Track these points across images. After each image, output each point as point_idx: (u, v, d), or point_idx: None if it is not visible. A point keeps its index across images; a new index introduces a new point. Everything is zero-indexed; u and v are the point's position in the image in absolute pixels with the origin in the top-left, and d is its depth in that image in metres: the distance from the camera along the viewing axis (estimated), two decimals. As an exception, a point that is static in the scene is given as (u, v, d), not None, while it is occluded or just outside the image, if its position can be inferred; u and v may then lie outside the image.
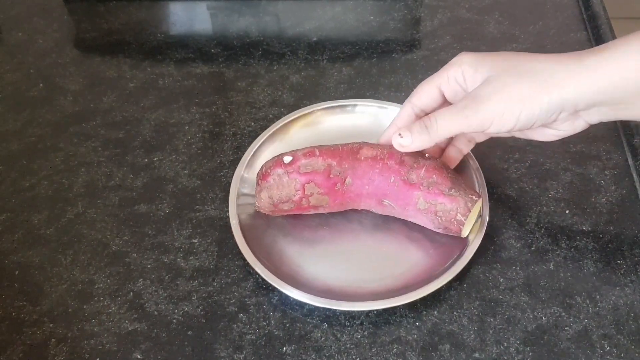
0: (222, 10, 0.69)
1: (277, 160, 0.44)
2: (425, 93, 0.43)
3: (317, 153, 0.44)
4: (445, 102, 0.44)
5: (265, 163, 0.45)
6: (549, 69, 0.37)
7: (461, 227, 0.43)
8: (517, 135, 0.44)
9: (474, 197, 0.43)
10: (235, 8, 0.69)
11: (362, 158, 0.44)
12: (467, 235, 0.45)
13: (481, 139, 0.47)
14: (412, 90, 0.45)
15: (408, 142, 0.41)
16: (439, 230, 0.44)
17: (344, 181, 0.44)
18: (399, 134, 0.41)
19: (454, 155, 0.47)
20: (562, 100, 0.37)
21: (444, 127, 0.40)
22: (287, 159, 0.44)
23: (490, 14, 0.66)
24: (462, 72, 0.41)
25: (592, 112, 0.39)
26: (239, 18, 0.68)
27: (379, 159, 0.44)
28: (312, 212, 0.46)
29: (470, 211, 0.42)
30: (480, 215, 0.45)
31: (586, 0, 0.65)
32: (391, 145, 0.44)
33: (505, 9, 0.67)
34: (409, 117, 0.45)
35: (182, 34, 0.67)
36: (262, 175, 0.45)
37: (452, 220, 0.43)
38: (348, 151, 0.44)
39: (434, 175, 0.43)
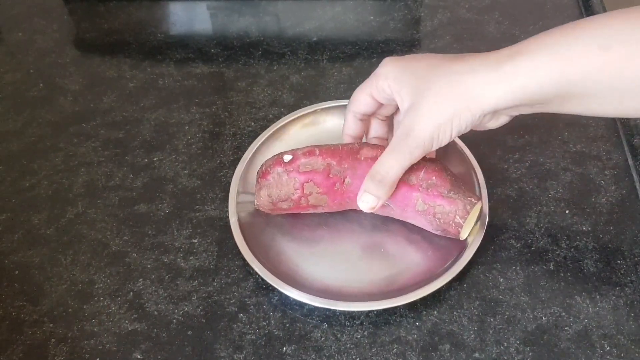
0: (222, 10, 0.69)
1: (277, 159, 0.44)
2: (361, 102, 0.45)
3: (317, 152, 0.44)
4: (381, 105, 0.45)
5: (265, 161, 0.45)
6: (467, 82, 0.38)
7: (459, 229, 0.43)
8: None
9: (473, 199, 0.43)
10: (235, 8, 0.69)
11: (362, 158, 0.44)
12: (467, 236, 0.45)
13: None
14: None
15: (374, 202, 0.43)
16: (438, 233, 0.44)
17: (343, 181, 0.44)
18: (362, 200, 0.43)
19: None
20: (483, 110, 0.38)
21: (394, 170, 0.41)
22: (287, 157, 0.44)
23: (490, 14, 0.66)
24: (388, 86, 0.42)
25: (513, 111, 0.40)
26: (239, 18, 0.68)
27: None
28: (311, 211, 0.46)
29: (469, 214, 0.42)
30: (479, 219, 0.45)
31: (586, 0, 0.65)
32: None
33: (505, 9, 0.67)
34: (355, 124, 0.46)
35: (182, 34, 0.67)
36: (262, 173, 0.45)
37: (451, 222, 0.43)
38: (348, 151, 0.44)
39: (434, 177, 0.43)
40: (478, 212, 0.44)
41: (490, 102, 0.38)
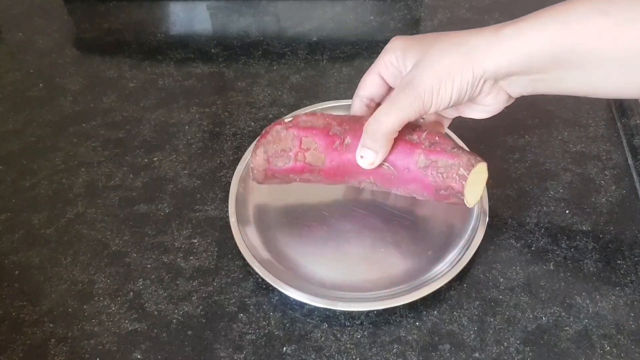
0: (222, 10, 0.69)
1: (279, 120, 0.44)
2: (368, 83, 0.44)
3: (319, 114, 0.44)
4: (390, 88, 0.44)
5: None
6: (470, 42, 0.39)
7: (463, 183, 0.40)
8: (452, 114, 0.45)
9: (478, 157, 0.41)
10: (235, 8, 0.69)
11: (364, 122, 0.41)
12: (467, 234, 0.45)
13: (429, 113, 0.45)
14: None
15: (372, 157, 0.41)
16: (441, 196, 0.41)
17: (343, 141, 0.42)
18: (360, 156, 0.41)
19: None
20: (483, 70, 0.38)
21: (390, 120, 0.40)
22: (288, 118, 0.43)
23: (490, 14, 0.66)
24: (395, 57, 0.42)
25: (512, 83, 0.40)
26: (239, 18, 0.68)
27: None
28: (306, 176, 0.44)
29: (473, 166, 0.40)
30: (478, 211, 0.45)
31: None
32: None
33: (505, 9, 0.67)
34: (361, 110, 0.45)
35: (182, 34, 0.67)
36: (262, 135, 0.43)
37: (454, 175, 0.40)
38: (350, 117, 0.44)
39: (437, 137, 0.41)
40: (485, 179, 0.42)
41: (492, 63, 0.38)
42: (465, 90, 0.39)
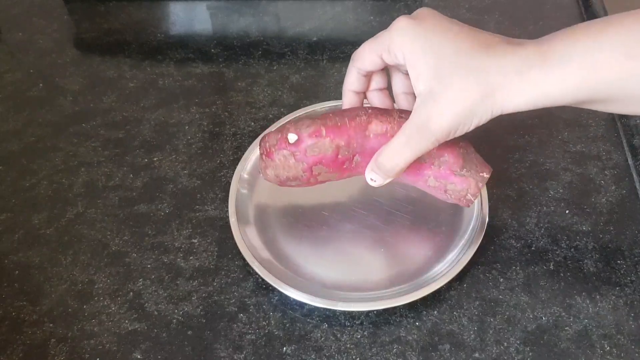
0: (222, 10, 0.69)
1: (281, 138, 0.42)
2: (367, 60, 0.41)
3: (324, 132, 0.41)
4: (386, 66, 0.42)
5: (268, 135, 0.43)
6: (495, 83, 0.36)
7: (470, 204, 0.43)
8: None
9: (484, 174, 0.42)
10: (235, 8, 0.69)
11: (371, 136, 0.41)
12: (467, 234, 0.45)
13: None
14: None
15: (382, 182, 0.42)
16: (447, 201, 0.44)
17: (352, 158, 0.42)
18: (370, 179, 0.42)
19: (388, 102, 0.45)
20: (504, 111, 0.37)
21: (404, 161, 0.40)
22: (292, 137, 0.41)
23: (490, 14, 0.66)
24: (403, 56, 0.38)
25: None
26: (239, 18, 0.68)
27: (389, 135, 0.41)
28: (319, 184, 0.45)
29: (480, 190, 0.42)
30: (477, 212, 0.45)
31: (586, 0, 0.65)
32: (400, 117, 0.42)
33: (505, 9, 0.67)
34: (358, 81, 0.43)
35: (182, 34, 0.67)
36: (267, 151, 0.42)
37: (462, 198, 0.42)
38: (356, 127, 0.41)
39: (445, 154, 0.41)
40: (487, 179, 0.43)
41: (512, 106, 0.37)
42: (481, 122, 0.38)
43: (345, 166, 0.42)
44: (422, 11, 0.39)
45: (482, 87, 0.36)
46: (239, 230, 0.46)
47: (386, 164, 0.40)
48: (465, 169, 0.41)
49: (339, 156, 0.42)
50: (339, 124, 0.41)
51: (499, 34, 0.38)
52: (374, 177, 0.42)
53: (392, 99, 0.45)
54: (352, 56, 0.42)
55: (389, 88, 0.45)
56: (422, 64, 0.37)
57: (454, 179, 0.41)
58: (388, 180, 0.42)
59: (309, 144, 0.41)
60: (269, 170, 0.43)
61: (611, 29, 0.35)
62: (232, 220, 0.47)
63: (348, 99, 0.44)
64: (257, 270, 0.43)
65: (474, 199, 0.42)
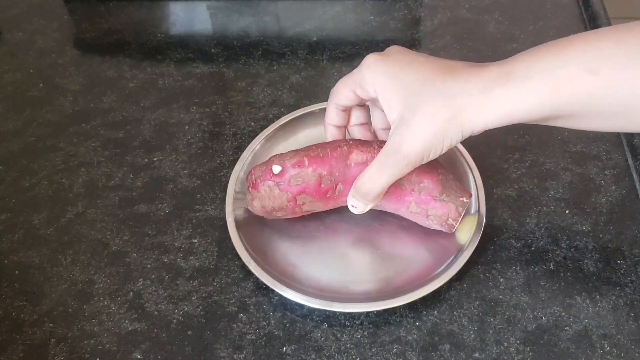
0: (222, 10, 0.69)
1: (266, 170, 0.43)
2: (343, 95, 0.43)
3: (307, 163, 0.43)
4: (362, 100, 0.44)
5: (254, 169, 0.45)
6: (460, 105, 0.37)
7: (452, 229, 0.44)
8: None
9: (464, 199, 0.43)
10: (235, 8, 0.69)
11: (353, 164, 0.43)
12: (466, 236, 0.45)
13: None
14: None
15: (363, 208, 0.44)
16: (430, 228, 0.45)
17: (335, 188, 0.44)
18: (352, 205, 0.44)
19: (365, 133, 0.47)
20: (473, 131, 0.38)
21: (380, 185, 0.41)
22: (276, 169, 0.43)
23: (490, 14, 0.66)
24: (374, 90, 0.40)
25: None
26: (239, 18, 0.68)
27: (369, 164, 0.43)
28: (306, 214, 0.46)
29: (460, 215, 0.43)
30: (475, 211, 0.46)
31: (586, 0, 0.65)
32: (379, 147, 0.43)
33: (505, 9, 0.67)
34: (338, 116, 0.45)
35: (182, 34, 0.67)
36: (253, 184, 0.44)
37: (443, 224, 0.44)
38: (337, 157, 0.43)
39: (425, 180, 0.43)
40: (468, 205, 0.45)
41: (481, 124, 0.38)
42: (454, 145, 0.39)
43: (328, 195, 0.44)
44: (391, 48, 0.41)
45: (450, 109, 0.38)
46: (237, 230, 0.46)
47: (363, 189, 0.42)
48: (444, 194, 0.43)
49: (322, 185, 0.43)
50: (321, 154, 0.43)
51: (462, 61, 0.40)
52: (355, 203, 0.43)
53: (373, 133, 0.47)
54: (330, 92, 0.45)
55: (370, 122, 0.47)
56: (392, 95, 0.39)
57: (435, 204, 0.43)
58: (369, 207, 0.44)
59: (293, 174, 0.43)
60: (256, 202, 0.44)
61: (573, 46, 0.36)
62: (229, 220, 0.46)
63: (330, 133, 0.47)
64: (253, 270, 0.43)
65: (456, 224, 0.43)
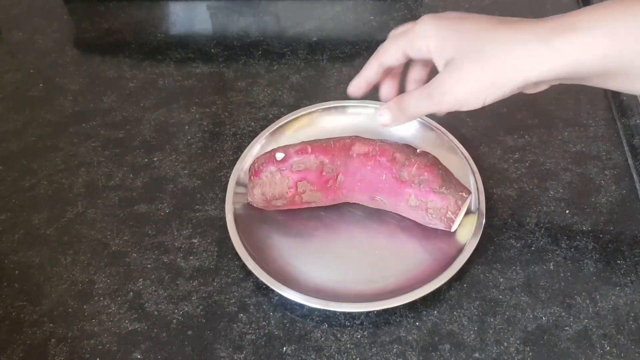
0: (222, 10, 0.69)
1: (270, 156, 0.44)
2: (391, 54, 0.43)
3: (310, 150, 0.44)
4: (410, 60, 0.44)
5: (257, 158, 0.46)
6: (516, 52, 0.37)
7: (451, 224, 0.44)
8: None
9: (464, 194, 0.43)
10: (235, 8, 0.69)
11: (354, 155, 0.44)
12: (466, 236, 0.45)
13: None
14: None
15: (387, 121, 0.44)
16: (429, 225, 0.45)
17: (336, 178, 0.44)
18: (381, 114, 0.44)
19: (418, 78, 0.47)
20: (526, 81, 0.37)
21: (417, 109, 0.42)
22: (280, 155, 0.44)
23: (490, 14, 0.66)
24: (426, 45, 0.40)
25: (554, 81, 0.40)
26: (239, 18, 0.68)
27: (371, 155, 0.44)
28: (305, 206, 0.46)
29: (460, 209, 0.43)
30: (475, 210, 0.46)
31: (586, 0, 0.65)
32: (382, 141, 0.45)
33: (505, 9, 0.67)
34: (376, 74, 0.45)
35: (182, 34, 0.67)
36: (255, 171, 0.45)
37: (442, 217, 0.43)
38: (340, 147, 0.44)
39: (425, 173, 0.43)
40: (468, 204, 0.45)
41: (535, 74, 0.37)
42: (502, 95, 0.39)
43: (329, 185, 0.44)
44: (446, 12, 0.41)
45: (503, 59, 0.37)
46: (236, 229, 0.46)
47: (402, 104, 0.42)
48: (444, 187, 0.43)
49: (323, 173, 0.44)
50: (324, 144, 0.44)
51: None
52: (385, 113, 0.43)
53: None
54: (377, 50, 0.44)
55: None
56: (446, 46, 0.39)
57: (434, 197, 0.43)
58: (395, 124, 0.44)
59: (295, 159, 0.44)
60: (256, 189, 0.45)
61: (638, 4, 0.35)
62: (229, 217, 0.46)
63: (357, 85, 0.46)
64: (252, 269, 0.43)
65: (455, 218, 0.43)
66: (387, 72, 0.45)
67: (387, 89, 0.47)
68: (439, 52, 0.40)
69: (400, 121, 0.44)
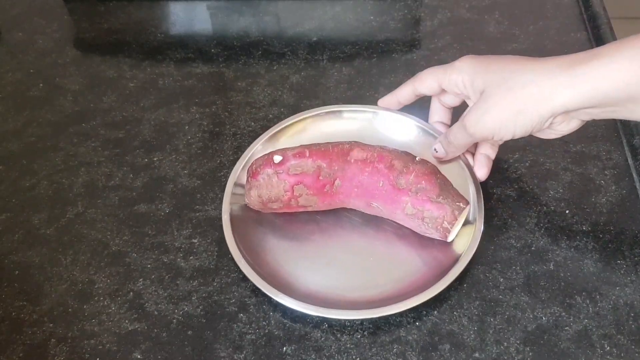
0: (222, 10, 0.69)
1: (267, 159, 0.44)
2: (427, 83, 0.48)
3: (307, 154, 0.44)
4: (442, 92, 0.48)
5: (255, 160, 0.45)
6: (538, 82, 0.39)
7: (447, 234, 0.43)
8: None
9: (461, 204, 0.43)
10: (235, 8, 0.69)
11: (352, 160, 0.44)
12: (463, 246, 0.44)
13: (498, 143, 0.49)
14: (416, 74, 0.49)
15: (441, 155, 0.48)
16: (425, 235, 0.45)
17: (333, 183, 0.44)
18: (435, 147, 0.48)
19: (484, 160, 0.49)
20: (552, 110, 0.40)
21: (458, 140, 0.46)
22: (277, 158, 0.44)
23: (490, 14, 0.66)
24: (462, 80, 0.44)
25: (582, 114, 0.41)
26: (239, 18, 0.68)
27: (369, 162, 0.44)
28: (301, 210, 0.46)
29: (456, 219, 0.43)
30: (473, 221, 0.45)
31: (586, 0, 0.65)
32: (381, 148, 0.45)
33: (505, 9, 0.67)
34: (408, 96, 0.50)
35: (182, 34, 0.67)
36: (252, 173, 0.45)
37: (439, 227, 0.43)
38: (338, 152, 0.44)
39: (423, 182, 0.43)
40: (466, 214, 0.45)
41: (559, 102, 0.38)
42: (531, 127, 0.41)
43: (326, 190, 0.44)
44: (487, 55, 0.45)
45: (528, 90, 0.40)
46: (232, 231, 0.45)
47: (448, 137, 0.47)
48: (441, 197, 0.43)
49: (320, 177, 0.44)
50: (323, 149, 0.44)
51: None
52: (438, 147, 0.48)
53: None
54: (415, 76, 0.49)
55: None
56: (477, 79, 0.43)
57: (430, 206, 0.43)
58: (449, 156, 0.48)
59: (292, 163, 0.44)
60: (253, 191, 0.45)
61: None
62: (225, 218, 0.46)
63: (388, 102, 0.52)
64: (246, 274, 0.43)
65: (451, 228, 0.43)
66: (419, 97, 0.50)
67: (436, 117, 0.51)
68: (472, 86, 0.43)
69: (452, 153, 0.48)
